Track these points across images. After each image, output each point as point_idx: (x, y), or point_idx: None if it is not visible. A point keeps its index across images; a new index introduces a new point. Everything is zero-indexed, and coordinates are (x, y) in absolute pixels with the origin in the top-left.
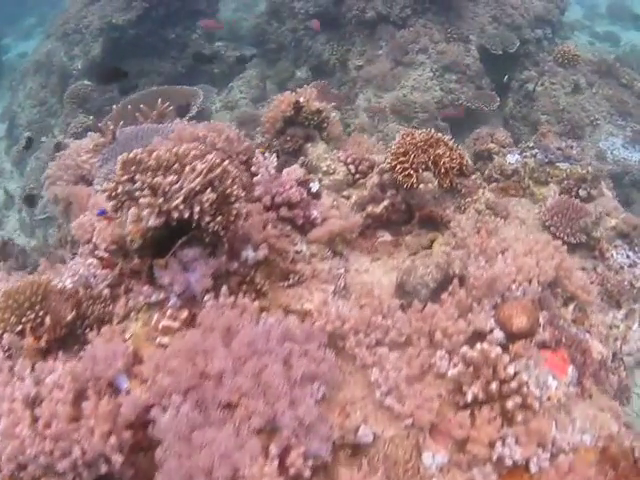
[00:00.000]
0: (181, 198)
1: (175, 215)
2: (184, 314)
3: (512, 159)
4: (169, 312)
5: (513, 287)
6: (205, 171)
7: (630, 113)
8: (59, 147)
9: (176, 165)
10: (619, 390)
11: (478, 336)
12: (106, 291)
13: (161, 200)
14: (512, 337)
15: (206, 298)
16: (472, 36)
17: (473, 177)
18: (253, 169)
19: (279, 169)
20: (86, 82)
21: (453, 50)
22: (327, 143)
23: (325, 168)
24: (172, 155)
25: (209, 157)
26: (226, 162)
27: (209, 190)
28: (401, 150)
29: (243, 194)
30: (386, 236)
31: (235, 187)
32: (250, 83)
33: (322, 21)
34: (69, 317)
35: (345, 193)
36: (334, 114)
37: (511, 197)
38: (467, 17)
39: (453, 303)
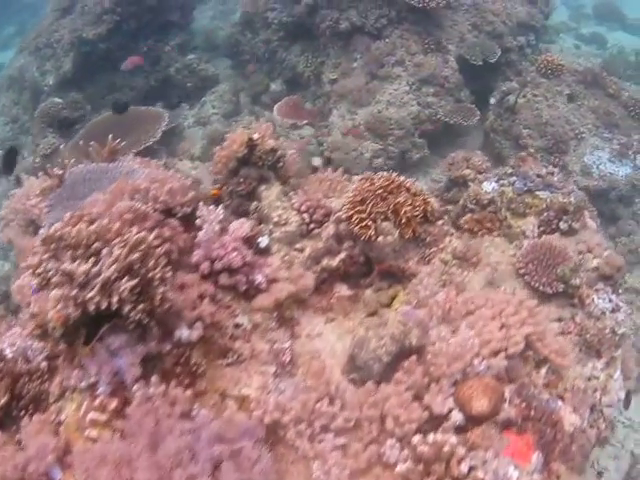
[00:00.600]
0: (97, 288)
1: (92, 307)
2: (113, 403)
3: (488, 187)
4: (98, 401)
5: (476, 362)
6: (125, 254)
7: (617, 125)
8: (19, 181)
9: (97, 244)
10: (598, 442)
11: (435, 419)
12: (44, 364)
13: (76, 291)
14: (472, 419)
15: (135, 388)
16: (451, 46)
17: (439, 223)
18: (198, 222)
19: (230, 217)
20: (57, 100)
21: (431, 62)
22: (284, 183)
23: (276, 219)
24: (93, 233)
25: (132, 233)
26: (151, 237)
27: (126, 278)
28: (358, 198)
29: (169, 274)
30: (344, 290)
31: (158, 270)
32: (223, 97)
33: (296, 32)
34: (2, 401)
35: (298, 245)
36: (291, 151)
37: (487, 231)
38: (446, 26)
39: (408, 383)
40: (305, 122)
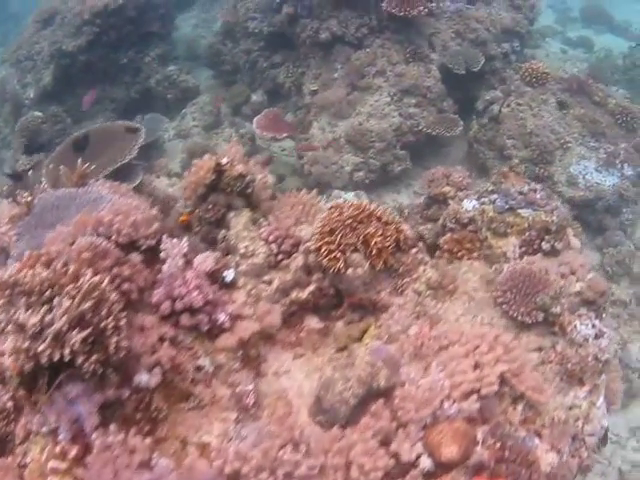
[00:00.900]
0: (48, 340)
1: (44, 360)
2: (74, 451)
3: (469, 205)
4: (59, 448)
5: (446, 405)
6: (76, 304)
7: (603, 133)
8: None
9: (50, 291)
10: (580, 471)
11: (403, 466)
12: (10, 404)
13: (28, 343)
14: (441, 466)
15: (94, 436)
16: (433, 54)
17: (413, 251)
18: (162, 255)
19: (199, 244)
20: (36, 113)
21: (412, 72)
22: (254, 209)
23: (243, 250)
24: (46, 279)
25: (86, 278)
26: (105, 282)
27: (77, 330)
28: (327, 229)
29: (124, 321)
30: (314, 323)
31: (112, 319)
32: (203, 110)
33: (277, 41)
34: None
35: (266, 278)
36: (261, 176)
37: (467, 252)
38: (428, 34)
39: (375, 428)
40: (285, 135)
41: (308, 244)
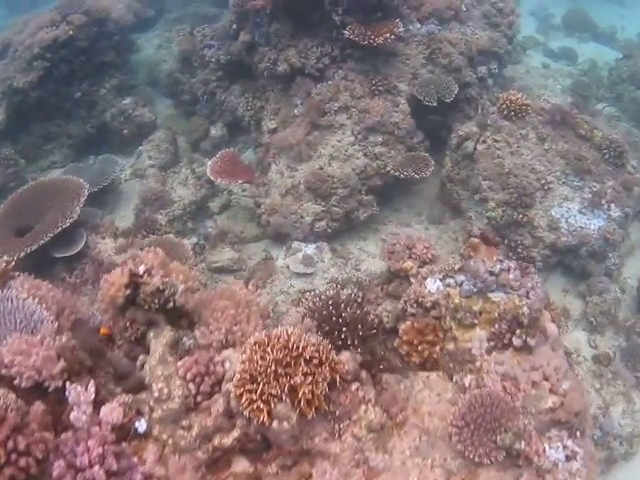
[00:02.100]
0: None
1: None
2: None
3: (432, 286)
4: None
5: None
6: None
7: (589, 171)
8: None
9: None
10: None
11: None
12: None
13: None
14: None
15: None
16: (402, 84)
17: (353, 388)
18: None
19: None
20: None
21: (378, 107)
22: (178, 323)
23: (157, 393)
24: None
25: None
26: None
27: None
28: (248, 375)
29: None
30: (243, 466)
31: None
32: (159, 147)
33: (236, 71)
34: None
35: (185, 423)
36: (182, 287)
37: (427, 347)
38: (396, 61)
39: None
40: (240, 182)
41: (229, 386)
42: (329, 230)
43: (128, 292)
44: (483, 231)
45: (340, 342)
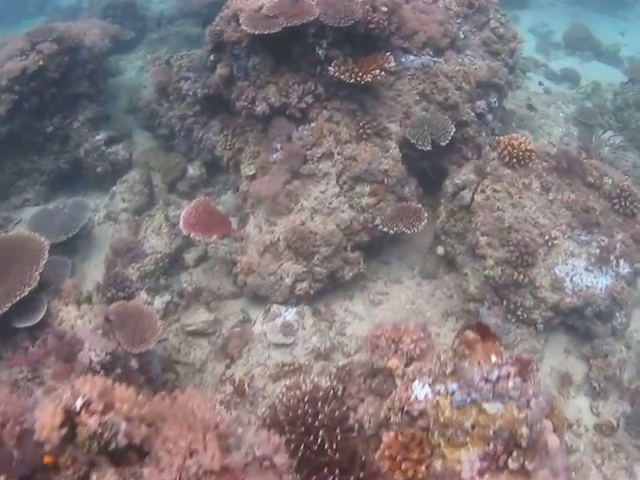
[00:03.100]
0: None
1: None
2: None
3: (420, 393)
4: None
5: None
6: None
7: (597, 223)
8: None
9: None
10: None
11: None
12: None
13: None
14: None
15: None
16: (393, 125)
17: None
18: None
19: None
20: None
21: (366, 153)
22: (121, 466)
23: None
24: None
25: None
26: None
27: None
28: None
29: None
30: None
31: None
32: (133, 189)
33: (214, 105)
34: None
35: None
36: (124, 426)
37: (411, 466)
38: (387, 98)
39: None
40: (215, 238)
41: None
42: (312, 292)
43: (64, 431)
44: (480, 322)
45: (316, 447)
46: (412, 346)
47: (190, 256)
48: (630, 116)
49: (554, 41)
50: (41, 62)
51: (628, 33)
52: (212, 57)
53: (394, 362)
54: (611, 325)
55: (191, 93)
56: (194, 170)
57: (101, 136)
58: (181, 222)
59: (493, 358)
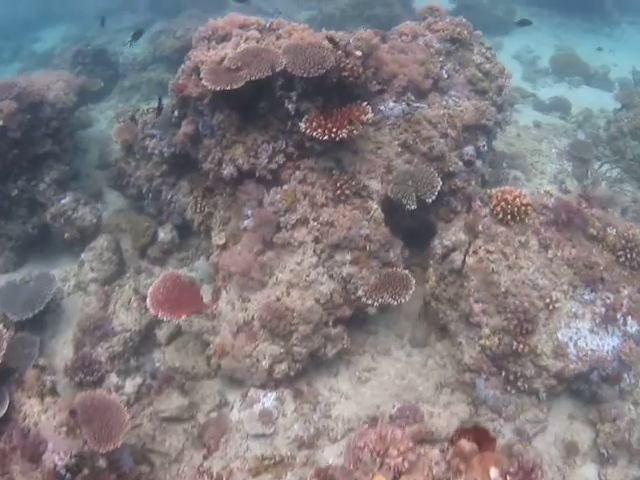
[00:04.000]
0: None
1: None
2: None
3: None
4: None
5: None
6: None
7: (602, 279)
8: None
9: None
10: None
11: None
12: None
13: None
14: None
15: None
16: (374, 182)
17: None
18: None
19: None
20: None
21: (344, 218)
22: None
23: None
24: None
25: None
26: None
27: None
28: None
29: None
30: None
31: None
32: (102, 257)
33: (182, 164)
34: None
35: None
36: None
37: None
38: (366, 152)
39: None
40: (186, 315)
41: None
42: (292, 373)
43: None
44: (476, 426)
45: None
46: (400, 459)
47: (162, 332)
48: (625, 145)
49: (541, 67)
50: (1, 122)
51: (615, 52)
52: (176, 113)
53: (380, 479)
54: (619, 387)
55: (157, 152)
56: (165, 234)
57: (67, 199)
58: (148, 300)
59: (493, 473)
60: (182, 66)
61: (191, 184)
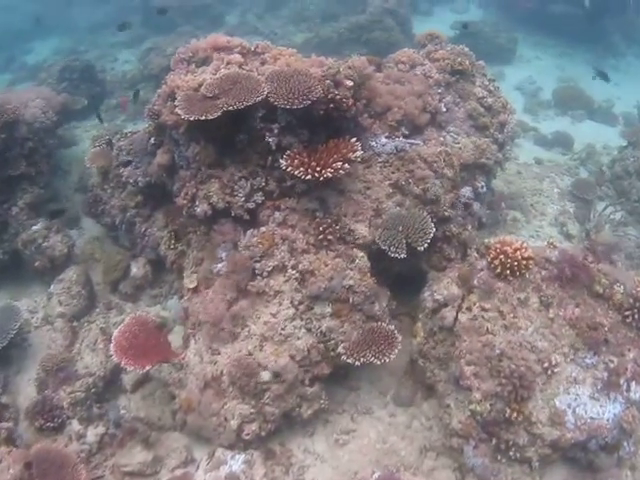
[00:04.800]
0: None
1: None
2: None
3: None
4: None
5: None
6: None
7: (605, 341)
8: None
9: None
10: None
11: None
12: None
13: None
14: None
15: None
16: (361, 226)
17: None
18: None
19: None
20: None
21: (327, 267)
22: None
23: None
24: None
25: None
26: None
27: None
28: None
29: None
30: None
31: None
32: (70, 291)
33: (157, 195)
34: None
35: None
36: None
37: None
38: (353, 192)
39: None
40: (150, 367)
41: None
42: (263, 433)
43: None
44: None
45: None
46: None
47: (129, 378)
48: (631, 185)
49: (543, 99)
50: None
51: (620, 85)
52: (152, 140)
53: None
54: (617, 455)
55: (132, 181)
56: (138, 269)
57: (38, 226)
58: (112, 345)
59: None
60: (159, 90)
61: (166, 217)
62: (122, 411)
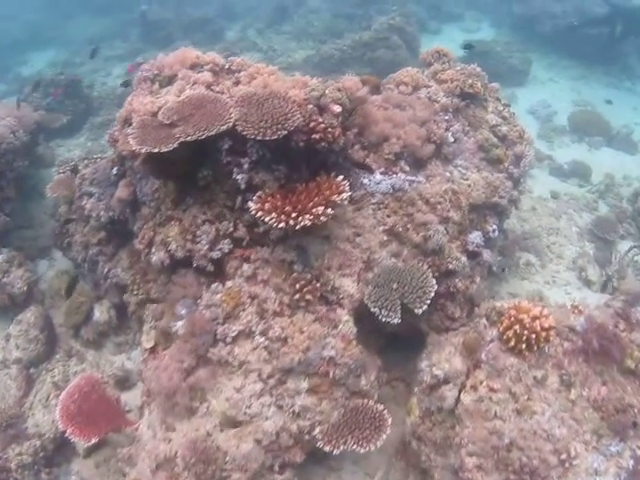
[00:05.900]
0: None
1: None
2: None
3: None
4: None
5: None
6: None
7: (634, 425)
8: None
9: None
10: None
11: None
12: None
13: None
14: None
15: None
16: (347, 281)
17: None
18: None
19: None
20: None
21: (302, 334)
22: None
23: None
24: None
25: None
26: None
27: None
28: None
29: None
30: None
31: None
32: (28, 334)
33: (121, 231)
34: None
35: None
36: None
37: None
38: (340, 239)
39: None
40: (97, 437)
41: None
42: None
43: None
44: None
45: None
46: None
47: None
48: None
49: (558, 124)
50: None
51: (637, 111)
52: (115, 170)
53: None
54: None
55: (94, 215)
56: (101, 314)
57: (4, 254)
58: (58, 409)
59: None
60: (117, 113)
61: (131, 258)
62: (73, 478)
